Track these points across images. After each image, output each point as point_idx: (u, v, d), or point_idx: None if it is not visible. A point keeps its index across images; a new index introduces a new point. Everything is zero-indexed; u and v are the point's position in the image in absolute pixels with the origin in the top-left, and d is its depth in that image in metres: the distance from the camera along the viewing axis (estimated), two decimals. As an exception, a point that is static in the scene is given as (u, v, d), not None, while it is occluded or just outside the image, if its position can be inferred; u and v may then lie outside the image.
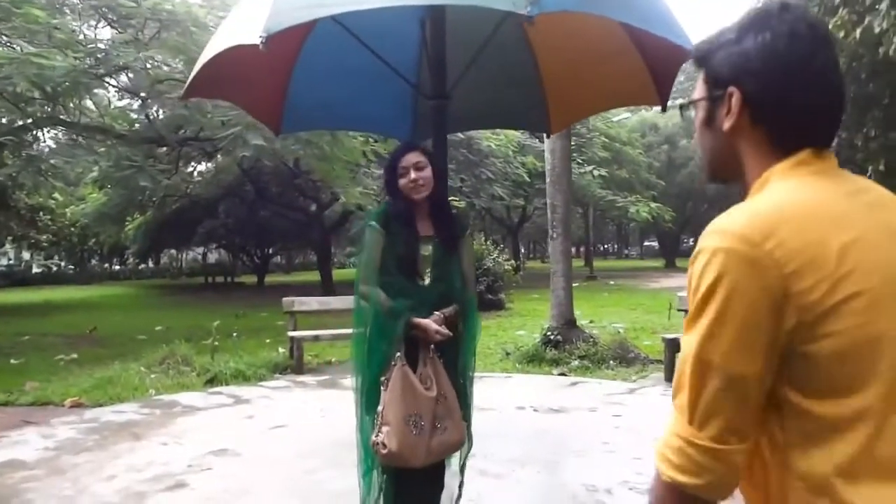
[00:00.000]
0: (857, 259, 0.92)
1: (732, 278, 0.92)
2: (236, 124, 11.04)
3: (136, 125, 14.02)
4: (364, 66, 4.57)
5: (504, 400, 6.07)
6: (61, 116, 12.02)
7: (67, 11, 12.07)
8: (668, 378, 7.13)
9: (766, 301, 0.91)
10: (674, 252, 40.94)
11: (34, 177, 11.03)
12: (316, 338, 8.50)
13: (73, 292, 24.07)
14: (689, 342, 0.96)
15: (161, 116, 14.39)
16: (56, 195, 19.49)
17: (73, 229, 23.57)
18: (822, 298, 0.90)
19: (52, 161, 11.72)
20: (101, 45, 11.37)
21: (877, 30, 6.83)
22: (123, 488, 3.90)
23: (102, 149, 13.59)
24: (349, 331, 7.37)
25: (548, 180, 9.58)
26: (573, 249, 12.78)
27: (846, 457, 0.91)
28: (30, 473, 4.26)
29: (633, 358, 8.42)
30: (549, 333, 8.87)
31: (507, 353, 8.88)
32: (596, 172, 22.19)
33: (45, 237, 23.50)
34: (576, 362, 8.16)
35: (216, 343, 8.48)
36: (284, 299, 8.56)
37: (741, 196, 1.08)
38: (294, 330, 8.34)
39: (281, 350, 8.88)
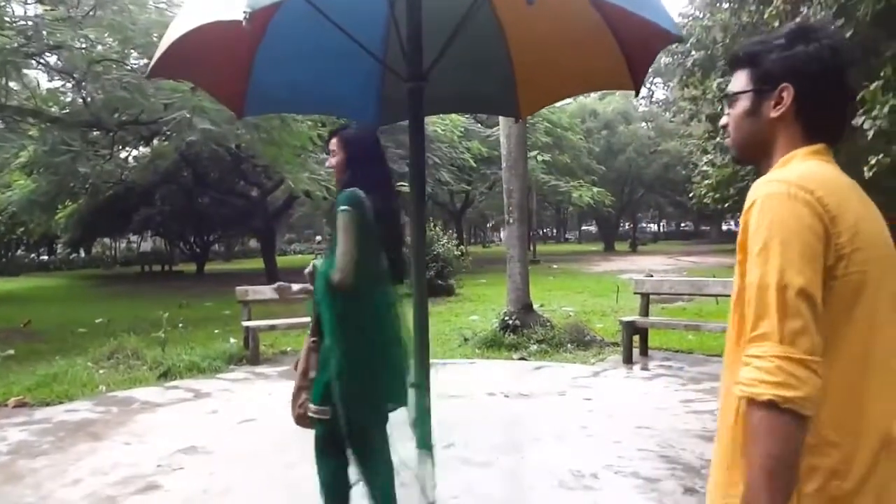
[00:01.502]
0: (863, 225, 1.18)
1: (796, 213, 1.13)
2: (181, 107, 10.62)
3: (69, 108, 13.32)
4: (329, 47, 4.40)
5: (472, 386, 6.04)
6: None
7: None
8: (627, 360, 7.25)
9: (820, 234, 1.13)
10: (612, 236, 41.78)
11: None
12: (272, 327, 8.29)
13: (0, 284, 22.88)
14: (765, 272, 1.12)
15: (96, 98, 13.73)
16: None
17: (-1, 218, 22.36)
18: (845, 244, 1.14)
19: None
20: (31, 23, 10.72)
21: (812, 20, 7.03)
22: (91, 493, 3.68)
23: (34, 132, 12.88)
24: (305, 319, 7.10)
25: (504, 165, 9.56)
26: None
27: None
28: (-16, 480, 3.99)
29: (590, 341, 8.51)
30: (506, 318, 8.88)
31: (466, 339, 8.86)
32: (539, 157, 22.35)
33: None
34: (534, 346, 8.20)
35: (164, 335, 8.16)
36: (238, 289, 8.29)
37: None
38: (248, 320, 8.10)
39: (233, 340, 8.62)
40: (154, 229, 27.31)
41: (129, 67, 11.60)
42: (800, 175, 1.19)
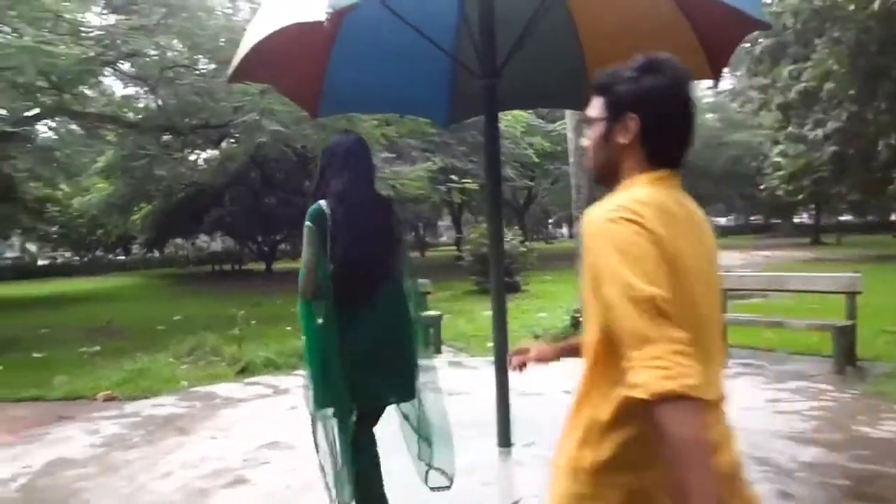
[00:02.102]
0: (684, 247, 1.30)
1: (634, 235, 1.25)
2: (250, 110, 10.89)
3: (144, 113, 13.83)
4: (401, 47, 4.43)
5: (547, 384, 5.95)
6: (71, 107, 11.86)
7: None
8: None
9: (655, 250, 1.24)
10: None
11: (48, 168, 10.86)
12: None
13: (82, 284, 23.91)
14: (627, 288, 1.22)
15: (169, 103, 14.21)
16: (63, 186, 19.29)
17: (80, 220, 23.37)
18: (668, 258, 1.25)
19: (66, 151, 11.53)
20: (107, 32, 11.14)
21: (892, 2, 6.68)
22: (183, 485, 3.79)
23: (111, 137, 13.42)
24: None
25: (571, 160, 9.41)
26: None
27: None
28: (83, 471, 4.15)
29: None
30: (577, 315, 8.76)
31: (536, 336, 8.77)
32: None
33: (53, 229, 23.31)
34: (607, 344, 8.07)
35: (240, 332, 8.36)
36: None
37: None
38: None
39: (304, 338, 8.76)
40: (224, 229, 28.06)
41: (198, 72, 11.97)
42: (632, 200, 1.32)
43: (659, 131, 1.40)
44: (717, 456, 1.29)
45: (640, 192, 1.36)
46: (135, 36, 10.62)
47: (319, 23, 3.27)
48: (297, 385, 6.47)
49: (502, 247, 4.68)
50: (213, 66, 11.75)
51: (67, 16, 10.33)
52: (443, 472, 3.09)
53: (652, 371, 1.14)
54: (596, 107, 1.48)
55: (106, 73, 12.21)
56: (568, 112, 9.83)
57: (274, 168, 22.11)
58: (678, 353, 1.15)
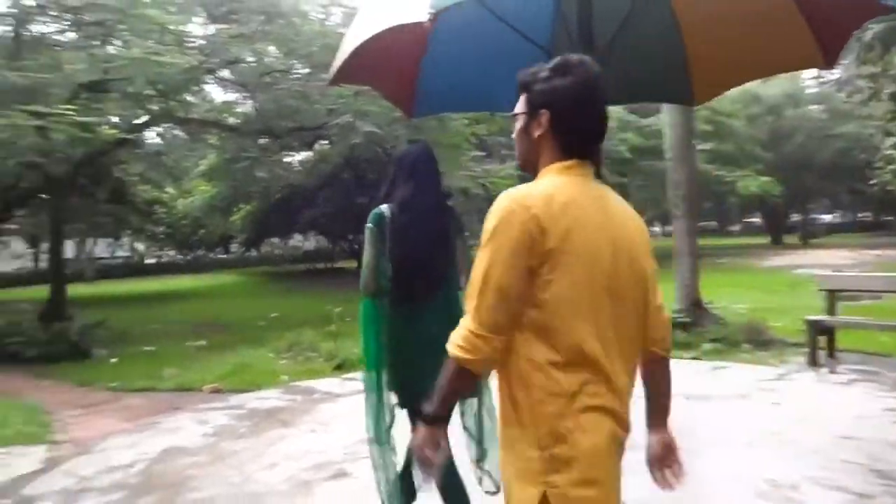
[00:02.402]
0: (576, 235, 1.45)
1: (509, 225, 1.44)
2: (344, 112, 11.13)
3: (243, 118, 14.39)
4: (494, 45, 4.39)
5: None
6: (177, 113, 12.47)
7: (173, 10, 12.44)
8: (812, 362, 6.69)
9: (527, 242, 1.43)
10: (780, 228, 38.85)
11: (157, 172, 11.46)
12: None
13: (186, 281, 25.17)
14: (479, 266, 1.48)
15: (263, 108, 14.72)
16: (169, 189, 20.35)
17: (184, 221, 24.62)
18: (551, 249, 1.42)
19: (172, 156, 12.14)
20: (209, 41, 11.64)
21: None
22: (289, 477, 3.92)
23: (213, 141, 14.03)
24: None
25: (669, 156, 9.15)
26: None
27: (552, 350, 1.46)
28: (194, 460, 4.37)
29: (768, 341, 7.95)
30: (675, 316, 8.50)
31: (630, 337, 8.58)
32: (700, 146, 21.25)
33: (160, 229, 24.66)
34: (707, 346, 7.78)
35: (336, 329, 8.57)
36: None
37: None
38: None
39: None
40: (317, 229, 28.86)
41: (294, 77, 12.33)
42: (529, 193, 1.49)
43: (567, 126, 1.57)
44: (601, 423, 1.51)
45: (543, 182, 1.55)
46: (235, 44, 11.05)
47: (419, 23, 3.31)
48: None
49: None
50: (307, 70, 12.08)
51: (172, 27, 10.84)
52: (490, 476, 3.01)
53: (456, 336, 1.49)
54: (520, 103, 1.66)
55: (208, 80, 12.77)
56: (665, 106, 9.56)
57: (366, 168, 22.52)
58: (476, 336, 1.45)
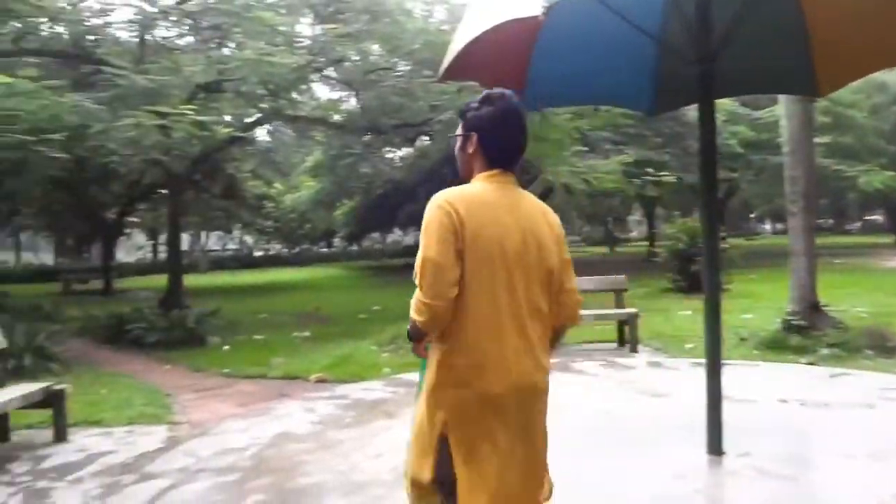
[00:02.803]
0: (485, 231, 1.93)
1: (440, 218, 1.91)
2: (447, 109, 11.19)
3: (348, 115, 14.76)
4: (604, 36, 4.28)
5: (759, 391, 5.53)
6: (287, 111, 12.93)
7: (283, 11, 12.88)
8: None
9: (452, 230, 1.89)
10: (905, 226, 36.05)
11: (267, 168, 11.89)
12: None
13: (292, 273, 26.13)
14: (420, 250, 1.92)
15: (368, 105, 15.05)
16: (276, 184, 21.16)
17: (291, 215, 25.60)
18: (468, 241, 1.90)
19: (280, 153, 12.56)
20: (316, 41, 11.97)
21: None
22: (393, 468, 3.97)
23: (319, 138, 14.47)
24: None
25: (786, 150, 8.65)
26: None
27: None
28: (303, 446, 4.50)
29: (894, 347, 7.39)
30: (790, 318, 8.05)
31: (742, 339, 8.19)
32: (818, 139, 19.97)
33: (268, 223, 25.76)
34: (825, 351, 7.31)
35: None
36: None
37: None
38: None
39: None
40: (417, 224, 29.27)
41: (397, 74, 12.51)
42: (456, 194, 1.98)
43: (489, 146, 2.07)
44: (484, 377, 1.94)
45: (470, 186, 2.07)
46: (341, 43, 11.32)
47: (531, 17, 3.27)
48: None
49: (717, 243, 4.40)
50: (410, 67, 12.24)
51: (283, 28, 11.24)
52: None
53: (411, 303, 1.93)
54: (459, 128, 2.17)
55: (314, 78, 13.18)
56: (782, 98, 9.05)
57: (463, 164, 22.61)
58: (422, 303, 1.88)
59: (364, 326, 10.35)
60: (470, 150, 2.10)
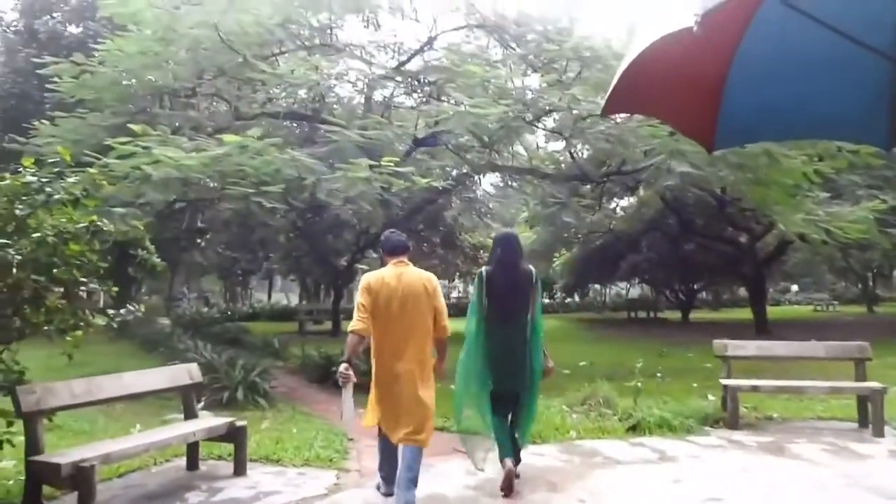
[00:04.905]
0: (382, 290, 4.37)
1: (365, 286, 4.41)
2: (659, 153, 10.47)
3: (562, 165, 14.52)
4: (817, 58, 3.49)
5: None
6: (496, 162, 13.03)
7: (500, 66, 13.07)
8: None
9: (369, 292, 4.37)
10: None
11: (472, 217, 11.99)
12: (754, 388, 7.28)
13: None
14: (357, 299, 4.50)
15: (578, 153, 14.69)
16: (493, 235, 21.42)
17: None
18: (374, 297, 4.36)
19: (489, 204, 12.65)
20: (529, 92, 11.93)
21: None
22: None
23: (530, 189, 14.38)
24: (796, 382, 6.03)
25: None
26: None
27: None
28: (447, 514, 4.18)
29: None
30: None
31: None
32: None
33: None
34: None
35: (639, 385, 7.87)
36: (716, 342, 7.52)
37: None
38: (728, 377, 7.25)
39: (711, 398, 7.85)
40: (640, 276, 28.00)
41: (611, 120, 12.02)
42: (373, 274, 4.52)
43: (387, 252, 4.62)
44: (384, 364, 4.39)
45: (381, 270, 4.52)
46: (552, 91, 11.16)
47: (701, 40, 2.76)
48: (687, 453, 5.74)
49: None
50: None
51: (495, 81, 11.40)
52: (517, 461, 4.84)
53: (351, 323, 4.31)
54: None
55: (532, 129, 13.16)
56: None
57: (692, 213, 21.24)
58: (355, 320, 4.26)
59: (564, 382, 9.77)
60: (385, 256, 4.67)
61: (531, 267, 5.05)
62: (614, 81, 3.16)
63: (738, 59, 3.52)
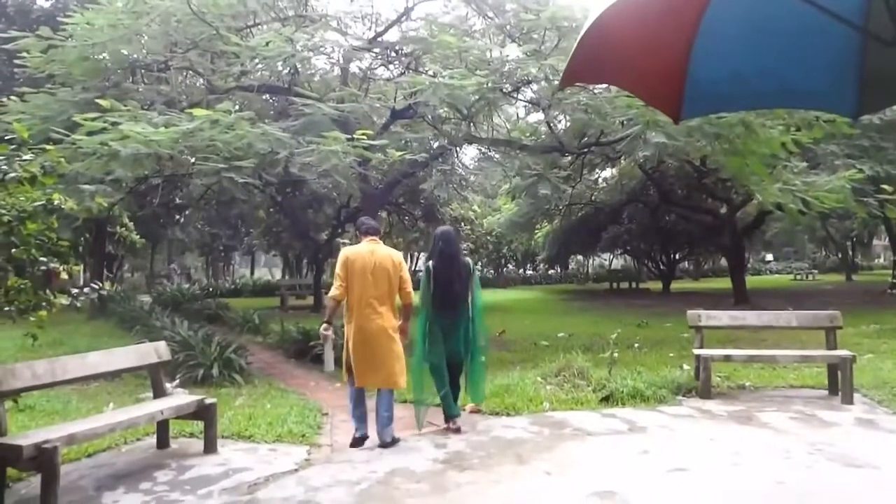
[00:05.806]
0: (357, 261, 5.35)
1: (343, 258, 5.42)
2: (636, 123, 10.42)
3: (543, 136, 14.41)
4: (782, 25, 3.45)
5: None
6: (474, 134, 12.92)
7: (478, 36, 12.89)
8: None
9: (345, 263, 5.37)
10: None
11: (449, 190, 11.92)
12: (727, 357, 7.34)
13: (491, 295, 26.24)
14: (336, 270, 5.58)
15: (555, 125, 14.58)
16: (475, 207, 21.38)
17: (489, 237, 25.81)
18: (351, 266, 5.37)
19: (469, 177, 12.56)
20: (507, 63, 11.79)
21: None
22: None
23: (508, 161, 14.30)
24: (768, 352, 6.04)
25: None
26: None
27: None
28: (414, 487, 4.20)
29: None
30: None
31: None
32: None
33: (465, 245, 26.28)
34: None
35: (615, 356, 7.91)
36: (689, 312, 7.55)
37: None
38: (700, 347, 7.31)
39: (685, 367, 7.92)
40: (622, 247, 28.10)
41: (589, 90, 11.92)
42: (350, 249, 5.56)
43: (363, 233, 5.64)
44: (359, 324, 5.31)
45: (357, 246, 5.59)
46: (528, 62, 11.04)
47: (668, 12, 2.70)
48: (657, 424, 5.79)
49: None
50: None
51: (476, 51, 11.25)
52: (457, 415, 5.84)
53: (330, 291, 5.46)
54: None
55: (510, 100, 13.03)
56: None
57: (672, 184, 21.28)
58: (334, 288, 5.36)
59: (542, 354, 9.83)
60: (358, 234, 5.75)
61: (468, 259, 6.11)
62: (573, 50, 3.10)
63: (703, 26, 3.45)
